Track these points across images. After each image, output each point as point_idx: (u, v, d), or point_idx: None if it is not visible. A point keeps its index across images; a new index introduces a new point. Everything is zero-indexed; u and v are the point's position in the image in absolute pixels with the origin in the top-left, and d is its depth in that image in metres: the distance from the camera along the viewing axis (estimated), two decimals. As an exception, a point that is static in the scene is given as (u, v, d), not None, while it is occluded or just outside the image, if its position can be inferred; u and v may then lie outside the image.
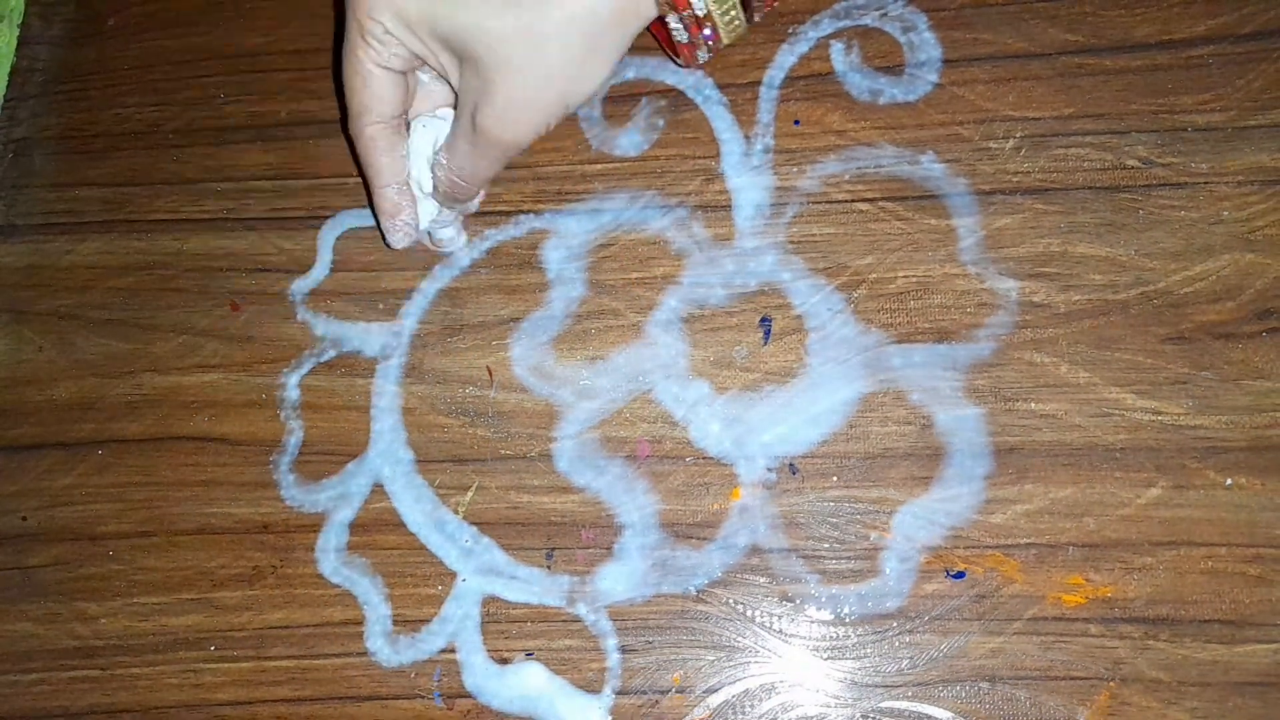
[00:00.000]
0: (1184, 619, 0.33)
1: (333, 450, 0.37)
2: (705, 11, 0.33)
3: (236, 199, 0.40)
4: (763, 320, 0.37)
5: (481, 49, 0.31)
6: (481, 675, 0.34)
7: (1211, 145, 0.37)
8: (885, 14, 0.39)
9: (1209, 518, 0.34)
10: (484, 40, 0.31)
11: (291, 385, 0.38)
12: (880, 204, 0.37)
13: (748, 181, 0.38)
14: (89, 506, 0.37)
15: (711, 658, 0.34)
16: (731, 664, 0.34)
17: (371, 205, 0.36)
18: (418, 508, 0.36)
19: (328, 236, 0.39)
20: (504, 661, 0.34)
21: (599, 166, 0.39)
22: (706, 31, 0.34)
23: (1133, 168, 0.37)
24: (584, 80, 0.33)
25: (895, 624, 0.34)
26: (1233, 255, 0.36)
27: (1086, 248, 0.36)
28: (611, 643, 0.34)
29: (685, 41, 0.34)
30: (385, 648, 0.35)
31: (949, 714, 0.33)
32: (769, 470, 0.35)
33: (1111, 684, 0.33)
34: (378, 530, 0.36)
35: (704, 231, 0.38)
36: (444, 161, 0.35)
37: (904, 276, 0.37)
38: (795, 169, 0.38)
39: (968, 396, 0.35)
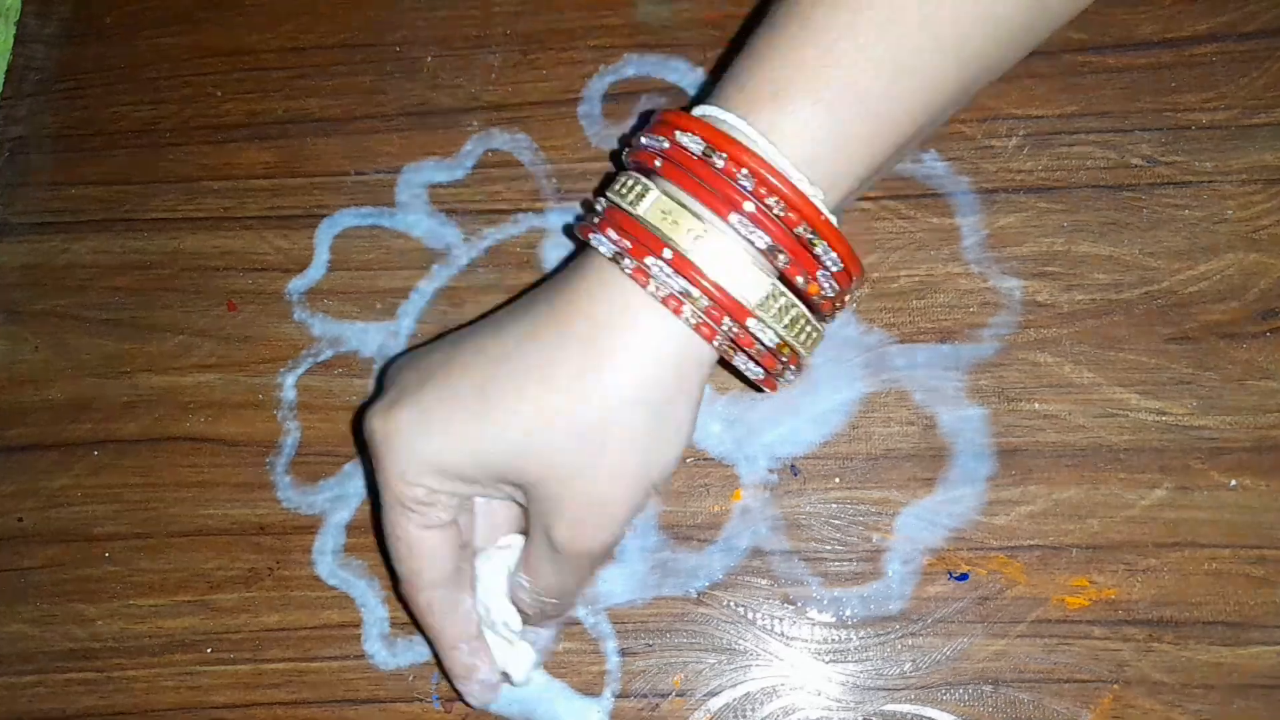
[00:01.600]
0: (1188, 621, 0.33)
1: (330, 451, 0.37)
2: (778, 342, 0.28)
3: (234, 198, 0.40)
4: (764, 320, 0.36)
5: (537, 470, 0.28)
6: (480, 678, 0.34)
7: (1215, 144, 0.37)
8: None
9: (1213, 519, 0.34)
10: (536, 460, 0.28)
11: (289, 385, 0.37)
12: (882, 202, 0.37)
13: (748, 180, 0.38)
14: (85, 507, 0.37)
15: (712, 660, 0.34)
16: (732, 667, 0.34)
17: (440, 665, 0.32)
18: (416, 509, 0.36)
19: (325, 235, 0.39)
20: (503, 664, 0.34)
21: (599, 165, 0.39)
22: (784, 358, 0.29)
23: (1136, 166, 0.37)
24: (662, 455, 0.28)
25: (898, 626, 0.33)
26: (1237, 254, 0.36)
27: (1090, 247, 0.36)
28: (611, 645, 0.34)
29: (762, 376, 0.29)
30: (383, 650, 0.34)
31: (952, 717, 0.33)
32: (770, 471, 0.35)
33: (1115, 686, 0.33)
34: (375, 532, 0.36)
35: (704, 230, 0.37)
36: (528, 587, 0.31)
37: (906, 275, 0.36)
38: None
39: (971, 397, 0.35)
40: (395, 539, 0.30)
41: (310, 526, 0.36)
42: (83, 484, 0.37)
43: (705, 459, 0.35)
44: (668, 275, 0.27)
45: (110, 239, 0.40)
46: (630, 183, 0.28)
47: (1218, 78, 0.37)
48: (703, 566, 0.34)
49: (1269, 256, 0.36)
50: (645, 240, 0.27)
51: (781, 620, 0.34)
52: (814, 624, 0.34)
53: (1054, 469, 0.34)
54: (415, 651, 0.34)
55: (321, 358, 0.38)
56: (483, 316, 0.30)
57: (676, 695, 0.34)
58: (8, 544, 0.37)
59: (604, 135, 0.39)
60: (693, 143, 0.27)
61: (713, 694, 0.34)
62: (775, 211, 0.27)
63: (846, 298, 0.29)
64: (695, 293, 0.27)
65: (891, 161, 0.29)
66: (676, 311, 0.27)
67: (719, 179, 0.27)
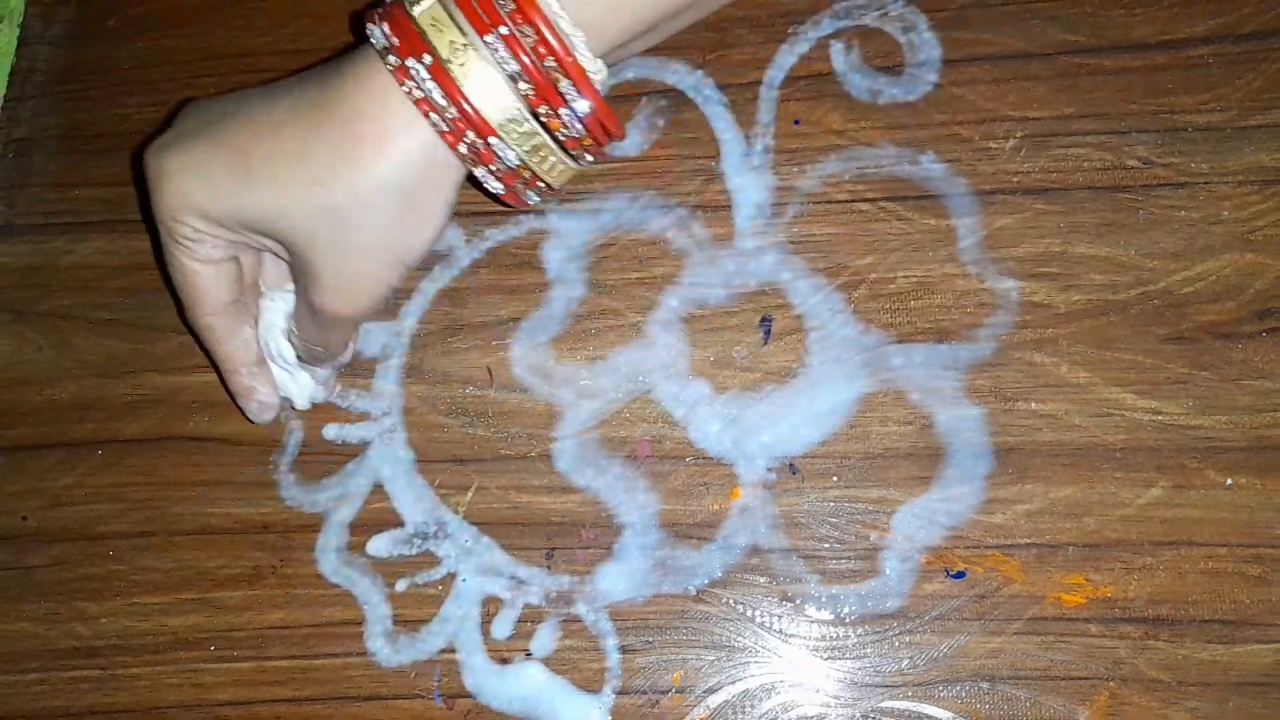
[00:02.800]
0: (1184, 619, 0.33)
1: (333, 450, 0.37)
2: (519, 163, 0.30)
3: (236, 199, 0.40)
4: (763, 320, 0.37)
5: (291, 235, 0.30)
6: (481, 675, 0.34)
7: (1212, 145, 0.37)
8: (885, 14, 0.39)
9: (1209, 518, 0.34)
10: (290, 226, 0.30)
11: (291, 385, 0.38)
12: (880, 204, 0.37)
13: (748, 181, 0.38)
14: (89, 506, 0.37)
15: (711, 658, 0.34)
16: (731, 664, 0.34)
17: (225, 388, 0.35)
18: (418, 507, 0.36)
19: (328, 236, 0.39)
20: (504, 661, 0.34)
21: (599, 166, 0.39)
22: (525, 178, 0.31)
23: (1133, 168, 0.37)
24: (411, 241, 0.30)
25: (895, 624, 0.34)
26: (1233, 255, 0.36)
27: (1086, 248, 0.36)
28: (611, 642, 0.34)
29: (502, 191, 0.31)
30: (385, 648, 0.35)
31: (949, 714, 0.33)
32: (769, 470, 0.35)
33: (1112, 684, 0.33)
34: (378, 530, 0.36)
35: (704, 231, 0.38)
36: (297, 334, 0.34)
37: (904, 276, 0.37)
38: (795, 169, 0.38)
39: (968, 396, 0.35)
40: (171, 268, 0.32)
41: (313, 525, 0.36)
42: (87, 483, 0.37)
43: (704, 458, 0.36)
44: (424, 79, 0.28)
45: (114, 240, 0.40)
46: None
47: (1214, 80, 0.37)
48: (702, 564, 0.35)
49: (1265, 257, 0.36)
50: (413, 42, 0.28)
51: (780, 618, 0.34)
52: (812, 621, 0.34)
53: (1051, 468, 0.34)
54: (418, 649, 0.35)
55: (324, 358, 0.38)
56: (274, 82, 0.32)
57: (676, 692, 0.34)
58: (12, 543, 0.37)
59: (604, 137, 0.39)
60: None
61: (712, 691, 0.34)
62: (526, 40, 0.28)
63: (598, 146, 0.31)
64: (444, 103, 0.28)
65: (667, 21, 0.31)
66: (426, 115, 0.28)
67: (485, 0, 0.28)
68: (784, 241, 0.37)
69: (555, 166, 0.31)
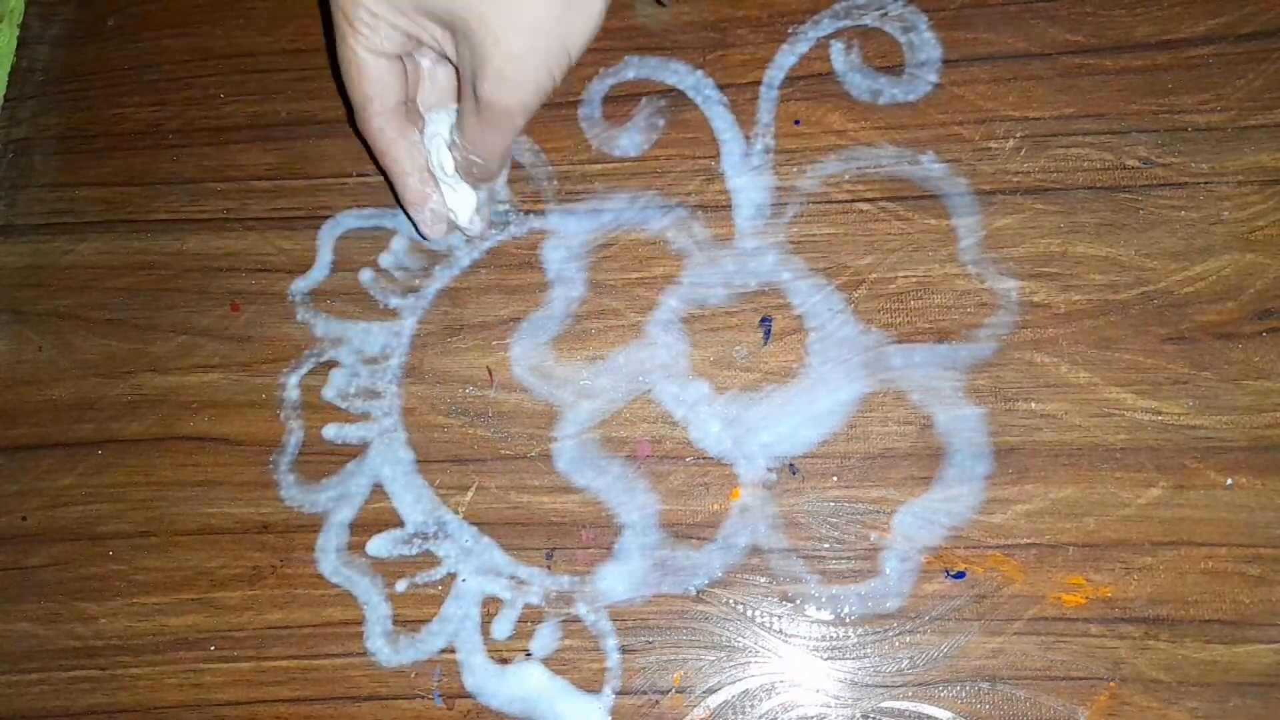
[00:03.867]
0: (1184, 619, 0.33)
1: (333, 450, 0.37)
2: None
3: (236, 199, 0.40)
4: (763, 320, 0.37)
5: (468, 16, 0.30)
6: (481, 675, 0.34)
7: (1212, 145, 0.37)
8: (885, 14, 0.39)
9: (1209, 518, 0.34)
10: (468, 6, 0.30)
11: (292, 385, 0.38)
12: (880, 204, 0.37)
13: (748, 181, 0.38)
14: (89, 507, 0.37)
15: (712, 658, 0.34)
16: (732, 664, 0.34)
17: (398, 200, 0.36)
18: (418, 508, 0.36)
19: (327, 236, 0.39)
20: (504, 661, 0.34)
21: (599, 166, 0.39)
22: None
23: (1133, 168, 0.37)
24: (577, 25, 0.31)
25: (895, 624, 0.34)
26: (1233, 255, 0.36)
27: (1087, 248, 0.36)
28: (611, 643, 0.34)
29: None
30: (385, 648, 0.35)
31: (949, 714, 0.33)
32: (769, 470, 0.35)
33: (1112, 684, 0.33)
34: (378, 530, 0.36)
35: (704, 231, 0.38)
36: (459, 143, 0.34)
37: (904, 276, 0.37)
38: (795, 169, 0.38)
39: (968, 396, 0.35)
40: (346, 62, 0.33)
41: (313, 525, 0.36)
42: (87, 483, 0.37)
43: (704, 458, 0.36)
44: None
45: (114, 240, 0.40)
46: None
47: (1214, 80, 0.37)
48: (702, 564, 0.35)
49: (1265, 257, 0.36)
50: None
51: (780, 618, 0.34)
52: (812, 621, 0.34)
53: (1051, 468, 0.34)
54: (417, 649, 0.35)
55: (324, 358, 0.38)
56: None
57: (676, 692, 0.34)
58: (12, 543, 0.37)
59: (604, 137, 0.39)
60: None
61: (712, 691, 0.34)
62: None
63: None
64: None
65: None
66: None
67: None
68: (784, 241, 0.37)
69: None
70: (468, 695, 0.34)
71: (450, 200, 0.36)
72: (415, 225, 0.36)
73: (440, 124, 0.35)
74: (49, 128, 0.42)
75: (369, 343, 0.38)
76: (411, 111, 0.35)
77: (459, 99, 0.34)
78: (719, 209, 0.38)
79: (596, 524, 0.35)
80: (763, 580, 0.34)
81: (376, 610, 0.35)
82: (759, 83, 0.39)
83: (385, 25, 0.32)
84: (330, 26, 0.33)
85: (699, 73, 0.39)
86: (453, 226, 0.37)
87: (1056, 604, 0.33)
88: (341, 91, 0.35)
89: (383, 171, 0.36)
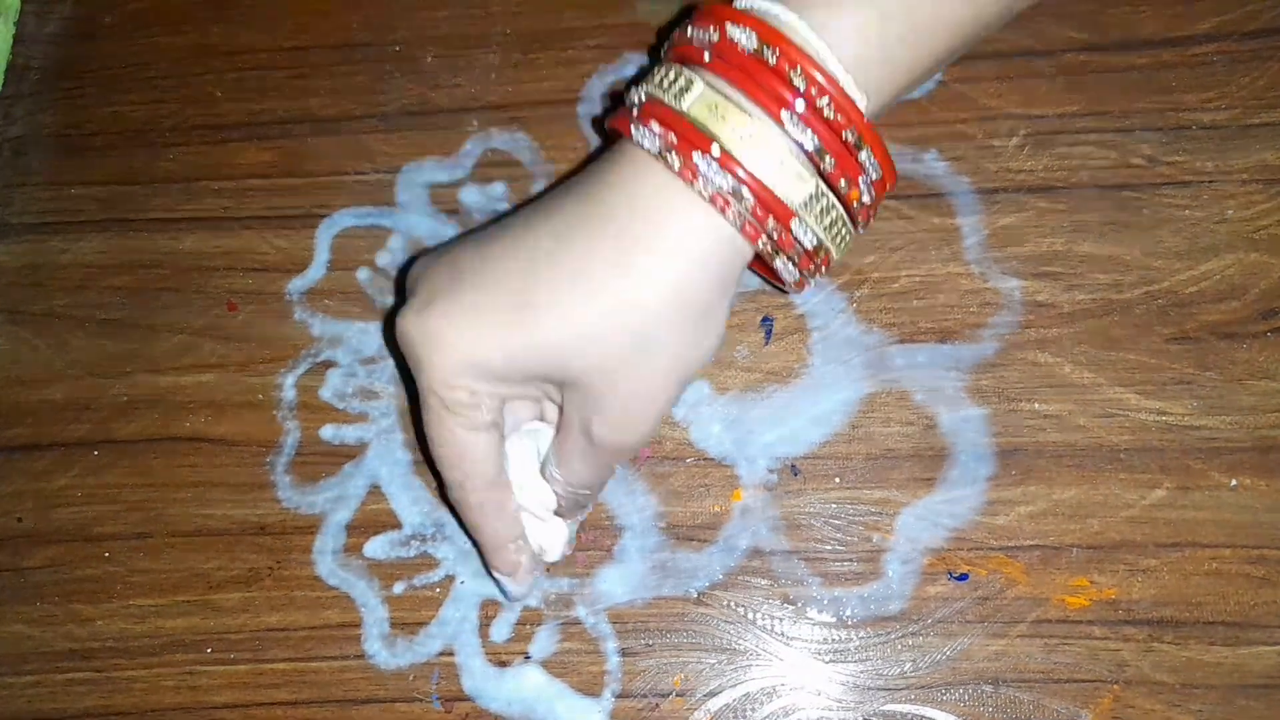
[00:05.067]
0: (1189, 621, 0.33)
1: (330, 451, 0.37)
2: (816, 244, 0.28)
3: (233, 198, 0.40)
4: (764, 320, 0.36)
5: (581, 369, 0.28)
6: (480, 678, 0.34)
7: (1216, 143, 0.37)
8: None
9: (1214, 519, 0.34)
10: (580, 359, 0.27)
11: (289, 385, 0.37)
12: (883, 202, 0.37)
13: (749, 180, 0.38)
14: (85, 508, 0.37)
15: (712, 660, 0.34)
16: (733, 667, 0.34)
17: (484, 561, 0.33)
18: (416, 509, 0.36)
19: (325, 235, 0.39)
20: (503, 664, 0.34)
21: (599, 165, 0.39)
22: (818, 260, 0.29)
23: (1137, 166, 0.37)
24: (701, 348, 0.28)
25: (898, 626, 0.33)
26: (1238, 254, 0.36)
27: (1091, 247, 0.36)
28: (611, 645, 0.34)
29: (796, 279, 0.29)
30: (383, 650, 0.34)
31: (952, 717, 0.33)
32: (770, 471, 0.35)
33: (1116, 686, 0.33)
34: (376, 532, 0.36)
35: (705, 230, 0.37)
36: (559, 478, 0.31)
37: (907, 275, 0.36)
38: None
39: (971, 397, 0.35)
40: (443, 444, 0.29)
41: (310, 526, 0.36)
42: (82, 484, 0.37)
43: (705, 459, 0.35)
44: (715, 173, 0.26)
45: (110, 239, 0.40)
46: (673, 75, 0.27)
47: (1219, 77, 0.37)
48: (703, 566, 0.34)
49: (1270, 256, 0.36)
50: (690, 136, 0.26)
51: (781, 620, 0.34)
52: (814, 624, 0.34)
53: (1054, 469, 0.34)
54: (416, 651, 0.34)
55: (321, 358, 0.38)
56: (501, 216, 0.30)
57: (676, 695, 0.34)
58: (7, 544, 0.37)
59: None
60: (745, 37, 0.26)
61: (713, 694, 0.34)
62: (825, 114, 0.26)
63: (878, 207, 0.30)
64: (744, 191, 0.26)
65: (925, 75, 0.29)
66: (723, 210, 0.27)
67: (771, 76, 0.26)
68: (785, 240, 0.37)
69: (845, 239, 0.29)
70: (466, 698, 0.34)
71: (538, 534, 0.32)
72: (501, 587, 0.33)
73: (525, 456, 0.31)
74: (45, 126, 0.42)
75: (366, 343, 0.38)
76: (507, 480, 0.31)
77: (560, 438, 0.31)
78: (720, 208, 0.38)
79: (596, 526, 0.35)
80: (764, 582, 0.34)
81: (374, 612, 0.35)
82: (760, 80, 0.39)
83: (487, 400, 0.29)
84: (415, 400, 0.30)
85: (699, 70, 0.39)
86: (538, 578, 0.34)
87: (1060, 606, 0.33)
88: (424, 452, 0.33)
89: (466, 532, 0.33)
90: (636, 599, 0.34)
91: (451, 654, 0.34)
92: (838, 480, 0.35)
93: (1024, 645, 0.33)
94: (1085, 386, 0.35)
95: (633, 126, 0.28)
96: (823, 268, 0.30)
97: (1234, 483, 0.34)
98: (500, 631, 0.34)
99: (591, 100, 0.39)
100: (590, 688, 0.34)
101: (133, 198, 0.40)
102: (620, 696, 0.34)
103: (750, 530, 0.35)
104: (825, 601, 0.34)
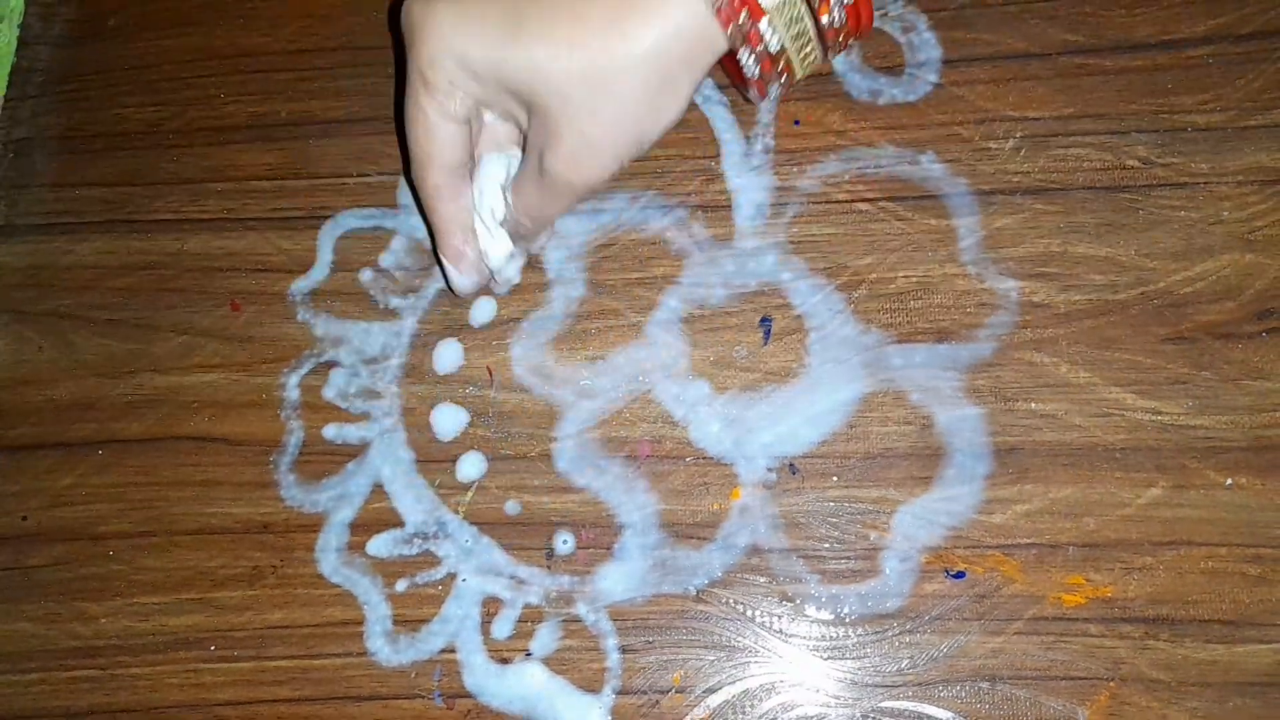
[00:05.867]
0: (1184, 619, 0.33)
1: (333, 450, 0.37)
2: (779, 48, 0.32)
3: (236, 199, 0.40)
4: (763, 320, 0.37)
5: (546, 93, 0.30)
6: (482, 675, 0.34)
7: (1212, 145, 0.37)
8: (885, 14, 0.39)
9: (1209, 518, 0.34)
10: (549, 84, 0.30)
11: (292, 385, 0.38)
12: (880, 204, 0.37)
13: (748, 181, 0.38)
14: (89, 507, 0.37)
15: (712, 658, 0.34)
16: (732, 664, 0.34)
17: (434, 248, 0.36)
18: (418, 507, 0.36)
19: (328, 236, 0.39)
20: (504, 661, 0.34)
21: (599, 166, 0.39)
22: (779, 66, 0.32)
23: (1133, 168, 0.37)
24: (656, 118, 0.31)
25: (895, 624, 0.34)
26: (1233, 255, 0.36)
27: (1086, 248, 0.36)
28: (611, 642, 0.34)
29: (756, 77, 0.33)
30: (385, 648, 0.35)
31: (949, 714, 0.33)
32: (769, 470, 0.35)
33: (1112, 684, 0.33)
34: (378, 530, 0.36)
35: (704, 231, 0.38)
36: (510, 202, 0.34)
37: (904, 276, 0.37)
38: (795, 169, 0.38)
39: (968, 396, 0.35)
40: (414, 121, 0.32)
41: (313, 525, 0.36)
42: (87, 483, 0.37)
43: (704, 458, 0.36)
44: None
45: (114, 240, 0.40)
46: None
47: (1214, 80, 0.37)
48: (702, 564, 0.35)
49: (1264, 257, 0.36)
50: None
51: (780, 618, 0.34)
52: (812, 621, 0.34)
53: (1050, 468, 0.34)
54: (418, 649, 0.35)
55: (324, 358, 0.38)
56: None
57: (676, 692, 0.34)
58: (12, 543, 0.37)
59: (604, 137, 0.39)
60: None
61: (712, 690, 0.34)
62: None
63: (847, 41, 0.33)
64: None
65: None
66: None
67: None
68: (784, 241, 0.37)
69: (808, 56, 0.33)
70: (468, 695, 0.34)
71: (486, 242, 0.35)
72: (446, 278, 0.36)
73: (495, 168, 0.34)
74: (49, 128, 0.42)
75: (369, 343, 0.38)
76: (467, 170, 0.34)
77: (522, 162, 0.34)
78: (719, 209, 0.38)
79: (596, 524, 0.35)
80: (763, 580, 0.34)
81: (376, 610, 0.35)
82: (759, 83, 0.39)
83: (462, 93, 0.32)
84: (402, 77, 0.33)
85: (699, 73, 0.39)
86: (481, 282, 0.36)
87: (1056, 604, 0.33)
88: (400, 137, 0.35)
89: (426, 222, 0.36)
90: (636, 596, 0.35)
91: (453, 651, 0.34)
92: (836, 479, 0.35)
93: (1021, 643, 0.33)
94: (1081, 386, 0.35)
95: None
96: (783, 76, 0.33)
97: (1229, 482, 0.34)
98: (502, 629, 0.35)
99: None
100: (591, 684, 0.34)
101: (136, 199, 0.40)
102: (620, 693, 0.34)
103: (749, 528, 0.35)
104: (823, 599, 0.34)
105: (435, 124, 0.32)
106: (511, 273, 0.36)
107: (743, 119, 0.39)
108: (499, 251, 0.35)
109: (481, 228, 0.35)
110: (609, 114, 0.31)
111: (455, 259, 0.35)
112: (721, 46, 0.31)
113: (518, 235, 0.35)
